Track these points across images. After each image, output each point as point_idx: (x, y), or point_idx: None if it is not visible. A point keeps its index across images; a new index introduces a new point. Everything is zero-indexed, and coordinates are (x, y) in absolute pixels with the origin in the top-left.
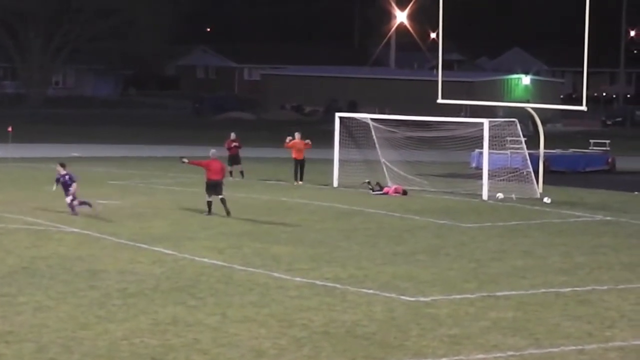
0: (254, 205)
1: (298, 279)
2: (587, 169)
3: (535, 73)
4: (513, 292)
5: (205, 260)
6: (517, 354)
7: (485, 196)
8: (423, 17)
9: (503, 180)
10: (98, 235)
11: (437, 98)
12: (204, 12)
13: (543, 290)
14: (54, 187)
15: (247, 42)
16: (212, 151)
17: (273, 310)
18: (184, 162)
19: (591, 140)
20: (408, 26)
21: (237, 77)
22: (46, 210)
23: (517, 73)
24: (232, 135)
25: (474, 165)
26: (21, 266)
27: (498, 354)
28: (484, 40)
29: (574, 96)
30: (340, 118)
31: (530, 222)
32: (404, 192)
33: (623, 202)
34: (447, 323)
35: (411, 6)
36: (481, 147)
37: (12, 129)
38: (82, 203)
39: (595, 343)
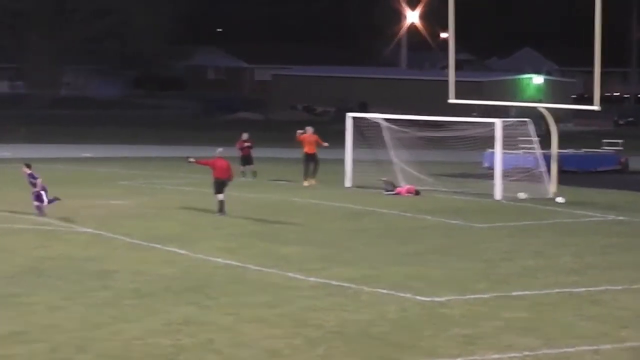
0: (265, 205)
1: (311, 279)
2: (599, 169)
3: (546, 73)
4: (526, 292)
5: (218, 260)
6: (532, 354)
7: (497, 196)
8: (433, 16)
9: (516, 180)
10: (110, 235)
11: (448, 98)
12: (214, 12)
13: (556, 290)
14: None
15: (258, 42)
16: (219, 150)
17: (286, 310)
18: (190, 162)
19: (604, 140)
20: (418, 26)
21: (248, 78)
22: (55, 210)
23: (528, 73)
24: (244, 136)
25: (486, 165)
26: (30, 266)
27: (512, 354)
28: (494, 40)
29: (585, 96)
30: (352, 118)
31: (542, 222)
32: (417, 192)
33: (635, 202)
34: (461, 323)
35: (421, 6)
36: (493, 147)
37: (23, 129)
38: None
39: (609, 343)
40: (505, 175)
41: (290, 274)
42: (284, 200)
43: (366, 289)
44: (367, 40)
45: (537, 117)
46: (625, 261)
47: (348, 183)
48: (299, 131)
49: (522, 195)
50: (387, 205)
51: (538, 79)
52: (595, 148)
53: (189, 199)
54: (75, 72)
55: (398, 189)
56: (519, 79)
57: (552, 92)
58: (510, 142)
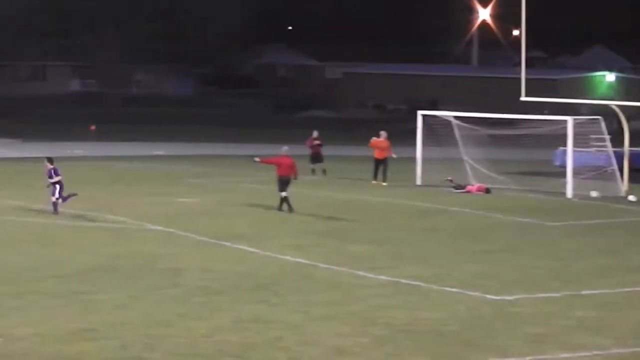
0: (334, 203)
1: (381, 277)
2: None
3: (619, 70)
4: (597, 291)
5: (287, 258)
6: (603, 353)
7: (569, 194)
8: (504, 13)
9: (587, 178)
10: (180, 233)
11: (519, 95)
12: (285, 11)
13: (627, 289)
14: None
15: (328, 40)
16: (284, 148)
17: (355, 308)
18: (256, 162)
19: None
20: (490, 23)
21: (319, 75)
22: (128, 208)
23: (600, 70)
24: (315, 134)
25: (557, 163)
26: (100, 264)
27: (583, 353)
28: (566, 37)
29: None
30: (423, 116)
31: (614, 221)
32: (487, 191)
33: None
34: (530, 322)
35: (493, 4)
36: (564, 145)
37: (95, 127)
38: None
39: None
40: (577, 173)
41: (360, 272)
42: (354, 198)
43: (436, 287)
44: (439, 38)
45: (609, 115)
46: None
47: (418, 181)
48: (374, 138)
49: (594, 193)
50: (458, 204)
51: (610, 77)
52: None
53: (258, 197)
54: (146, 70)
55: (468, 187)
56: (591, 76)
57: (624, 90)
58: (581, 140)
